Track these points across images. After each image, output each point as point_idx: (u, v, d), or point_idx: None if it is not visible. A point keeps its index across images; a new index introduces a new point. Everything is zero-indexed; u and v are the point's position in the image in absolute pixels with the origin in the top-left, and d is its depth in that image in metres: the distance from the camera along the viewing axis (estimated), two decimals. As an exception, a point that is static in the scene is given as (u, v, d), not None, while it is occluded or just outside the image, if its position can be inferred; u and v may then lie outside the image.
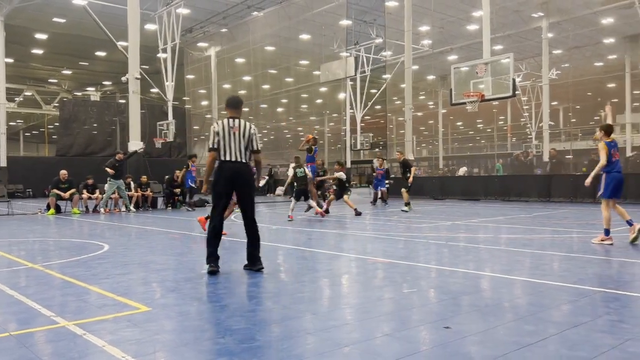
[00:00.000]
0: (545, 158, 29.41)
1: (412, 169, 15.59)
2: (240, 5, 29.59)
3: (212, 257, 5.74)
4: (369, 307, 4.26)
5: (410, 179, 15.35)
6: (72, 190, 15.91)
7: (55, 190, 15.73)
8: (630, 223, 7.56)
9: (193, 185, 16.87)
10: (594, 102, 47.19)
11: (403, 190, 15.21)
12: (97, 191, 16.57)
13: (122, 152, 17.07)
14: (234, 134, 5.70)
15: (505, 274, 5.60)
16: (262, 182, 27.15)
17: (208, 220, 9.33)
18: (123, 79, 20.76)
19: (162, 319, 3.99)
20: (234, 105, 5.94)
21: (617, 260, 6.32)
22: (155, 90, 25.80)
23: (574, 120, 41.75)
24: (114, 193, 16.21)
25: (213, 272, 5.66)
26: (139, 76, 20.00)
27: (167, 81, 24.17)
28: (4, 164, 25.82)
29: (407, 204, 14.76)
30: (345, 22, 30.63)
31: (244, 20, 32.96)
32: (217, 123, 5.78)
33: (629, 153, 32.33)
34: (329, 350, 3.21)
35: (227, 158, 5.70)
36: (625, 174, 16.03)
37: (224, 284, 5.33)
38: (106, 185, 16.11)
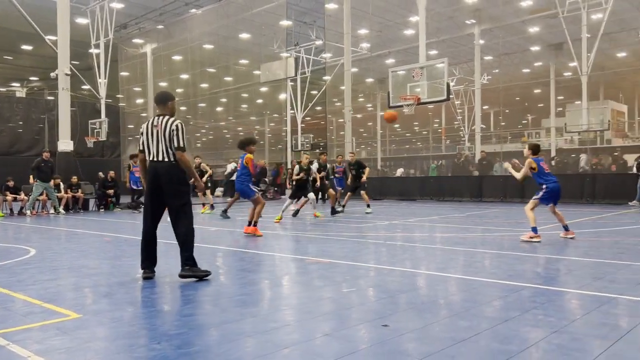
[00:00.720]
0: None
1: (366, 170, 15.19)
2: (177, 2, 28.92)
3: (147, 262, 5.56)
4: (309, 308, 4.27)
5: (364, 179, 14.65)
6: (-5, 192, 15.00)
7: (-24, 192, 14.77)
8: (566, 228, 8.17)
9: (134, 187, 16.10)
10: (522, 107, 49.64)
11: (362, 192, 14.52)
12: (22, 192, 15.69)
13: (48, 151, 16.26)
14: (157, 132, 5.44)
15: (441, 272, 5.78)
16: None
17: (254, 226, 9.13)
18: (52, 74, 19.75)
19: (94, 325, 3.83)
20: (158, 101, 5.71)
21: (543, 257, 6.67)
22: (86, 87, 24.77)
23: (504, 123, 43.75)
24: (41, 194, 15.40)
25: (147, 277, 5.50)
26: (69, 72, 19.11)
27: (99, 78, 23.23)
28: None
29: (368, 205, 14.45)
30: (285, 23, 30.61)
31: (181, 18, 32.24)
32: (145, 123, 5.65)
33: (553, 154, 34.23)
34: (268, 352, 3.19)
35: (151, 158, 5.48)
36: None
37: (160, 287, 5.19)
38: (33, 187, 15.30)
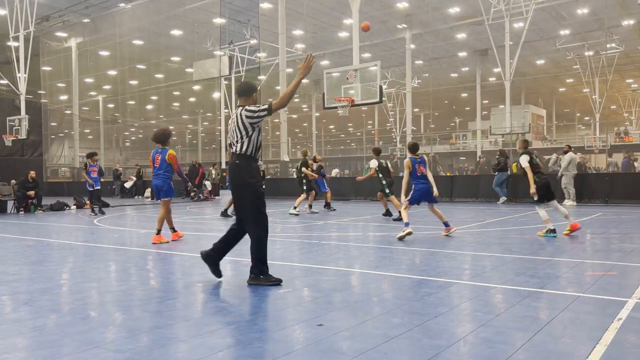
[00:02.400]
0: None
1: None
2: (104, -5, 27.83)
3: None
4: (243, 310, 4.22)
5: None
6: None
7: None
8: (446, 224, 8.50)
9: (90, 189, 14.69)
10: (450, 110, 51.62)
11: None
12: None
13: None
14: (231, 125, 5.11)
15: (374, 270, 5.89)
16: (128, 184, 25.62)
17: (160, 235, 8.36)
18: (-36, 67, 18.44)
19: (12, 335, 3.60)
20: (241, 92, 5.22)
21: (469, 254, 6.97)
22: (4, 82, 23.28)
23: (433, 125, 45.35)
24: None
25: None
26: (-16, 65, 17.90)
27: (19, 72, 21.91)
28: None
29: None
30: (219, 21, 30.17)
31: (109, 12, 31.01)
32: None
33: (479, 154, 35.77)
34: (202, 357, 3.13)
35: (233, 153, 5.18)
36: (478, 176, 17.25)
37: (86, 293, 4.95)
38: None
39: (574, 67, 37.16)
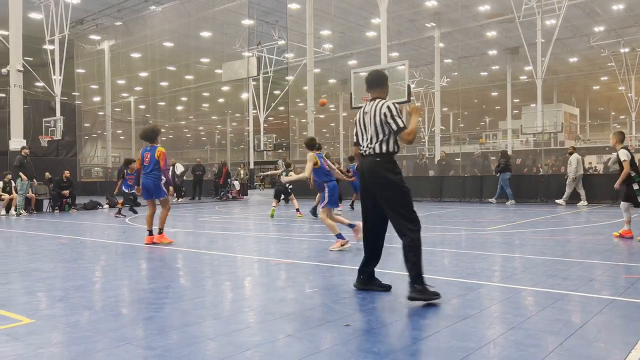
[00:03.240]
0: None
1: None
2: (136, -2, 28.39)
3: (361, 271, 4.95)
4: (271, 309, 4.25)
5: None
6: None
7: None
8: (352, 225, 7.36)
9: (126, 190, 14.65)
10: (480, 109, 50.81)
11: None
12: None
13: (28, 148, 16.34)
14: (365, 120, 4.61)
15: (401, 271, 5.84)
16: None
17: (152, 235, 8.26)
18: (3, 71, 19.04)
19: (47, 331, 3.70)
20: (373, 84, 4.75)
21: (500, 255, 6.85)
22: (40, 84, 23.97)
23: (462, 125, 44.79)
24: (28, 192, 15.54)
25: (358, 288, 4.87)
26: (21, 68, 18.47)
27: (54, 75, 22.51)
28: None
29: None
30: (247, 22, 30.44)
31: (140, 15, 31.62)
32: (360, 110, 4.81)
33: (509, 154, 35.13)
34: (230, 355, 3.16)
35: (362, 152, 4.63)
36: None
37: (118, 291, 5.06)
38: (18, 185, 15.19)
39: (609, 64, 36.17)
